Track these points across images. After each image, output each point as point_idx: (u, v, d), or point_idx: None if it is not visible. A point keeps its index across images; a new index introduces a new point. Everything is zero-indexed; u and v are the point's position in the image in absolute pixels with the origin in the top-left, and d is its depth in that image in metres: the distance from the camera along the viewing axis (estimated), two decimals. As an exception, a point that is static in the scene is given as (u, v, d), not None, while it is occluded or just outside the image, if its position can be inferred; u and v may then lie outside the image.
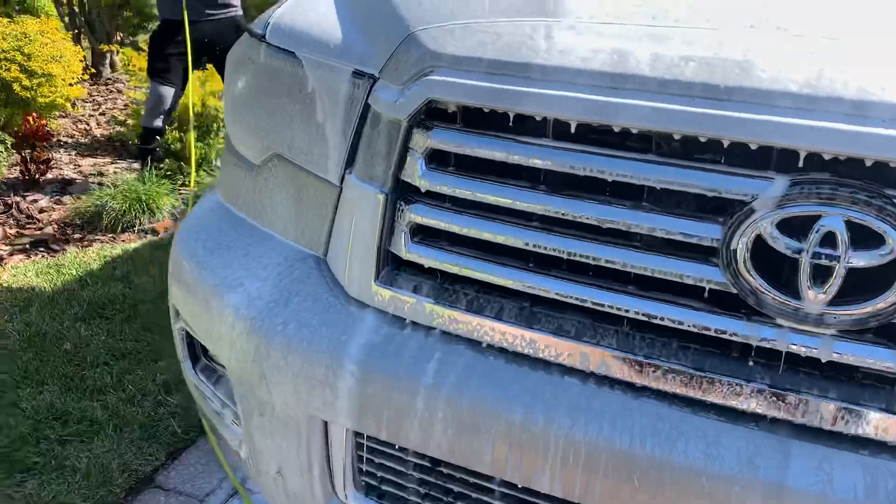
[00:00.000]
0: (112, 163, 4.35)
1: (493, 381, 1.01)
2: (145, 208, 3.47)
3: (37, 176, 3.88)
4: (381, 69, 1.12)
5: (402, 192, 1.09)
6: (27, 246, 3.26)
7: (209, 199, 1.49)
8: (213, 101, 4.46)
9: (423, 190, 1.06)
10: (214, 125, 4.26)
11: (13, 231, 3.40)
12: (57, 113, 4.68)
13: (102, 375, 2.30)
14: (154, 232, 3.46)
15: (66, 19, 5.81)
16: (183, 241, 1.39)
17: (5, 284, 2.83)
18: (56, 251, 3.24)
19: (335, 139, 1.18)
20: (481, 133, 1.01)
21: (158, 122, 3.87)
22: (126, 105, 5.38)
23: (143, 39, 7.53)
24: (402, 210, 1.08)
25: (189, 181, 3.80)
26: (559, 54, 0.97)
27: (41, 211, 3.62)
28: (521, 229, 1.00)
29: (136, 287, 2.84)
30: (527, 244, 1.00)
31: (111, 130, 4.86)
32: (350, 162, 1.16)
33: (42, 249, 3.26)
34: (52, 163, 4.06)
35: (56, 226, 3.46)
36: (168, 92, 3.83)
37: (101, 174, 4.12)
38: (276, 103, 1.27)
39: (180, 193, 3.71)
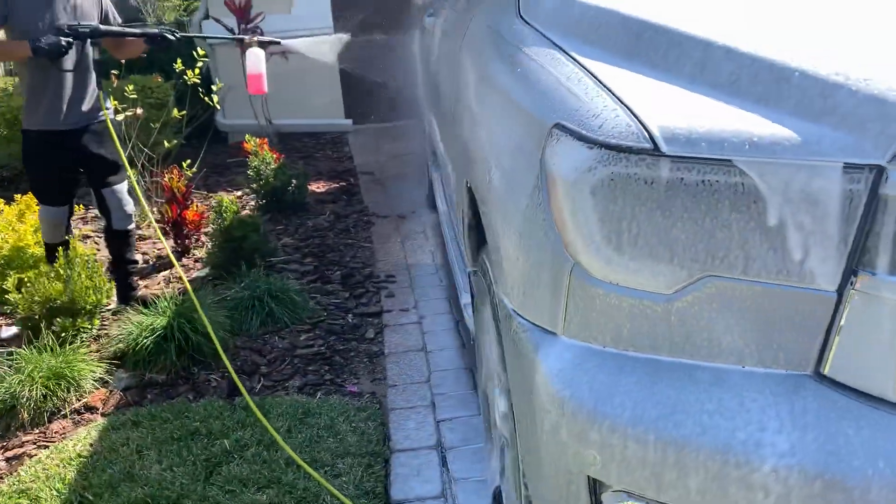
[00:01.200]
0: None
1: None
2: (70, 384, 2.79)
3: None
4: (891, 157, 1.03)
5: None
6: (-67, 481, 2.45)
7: (558, 353, 1.24)
8: (31, 237, 3.71)
9: None
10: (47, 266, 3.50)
11: None
12: None
13: None
14: (90, 409, 2.79)
15: None
16: (600, 418, 1.15)
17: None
18: (-21, 474, 2.48)
19: (824, 244, 1.06)
20: None
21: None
22: None
23: None
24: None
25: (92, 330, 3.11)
26: None
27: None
28: None
29: (154, 484, 2.27)
30: None
31: None
32: (859, 263, 1.05)
33: (-42, 479, 2.48)
34: None
35: (-47, 443, 2.65)
36: (58, 213, 3.37)
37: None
38: (707, 222, 1.11)
39: (94, 353, 3.03)
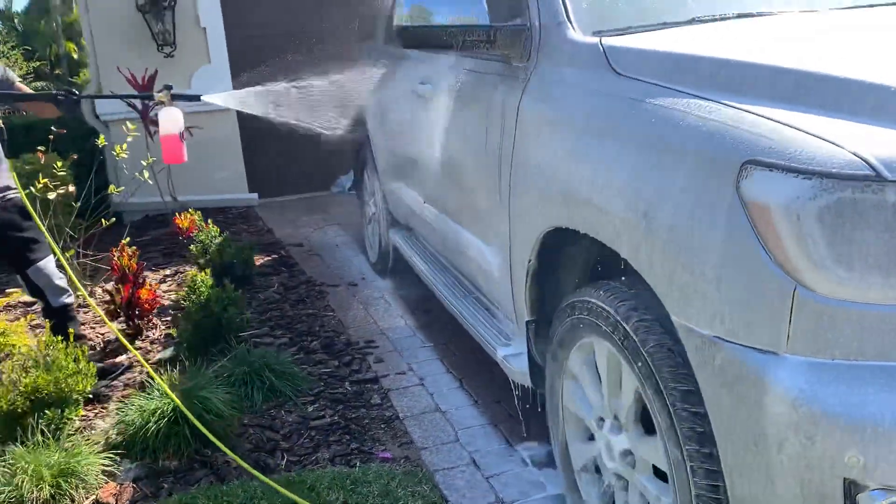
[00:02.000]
0: None
1: None
2: (77, 481, 2.53)
3: None
4: None
5: None
6: None
7: (791, 372, 1.34)
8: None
9: None
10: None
11: None
12: None
13: None
14: (102, 505, 2.54)
15: None
16: (862, 425, 1.27)
17: None
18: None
19: None
20: None
21: None
22: None
23: None
24: None
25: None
26: None
27: None
28: None
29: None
30: None
31: None
32: None
33: None
34: None
35: (-53, 560, 2.32)
36: None
37: None
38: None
39: (91, 444, 2.77)
